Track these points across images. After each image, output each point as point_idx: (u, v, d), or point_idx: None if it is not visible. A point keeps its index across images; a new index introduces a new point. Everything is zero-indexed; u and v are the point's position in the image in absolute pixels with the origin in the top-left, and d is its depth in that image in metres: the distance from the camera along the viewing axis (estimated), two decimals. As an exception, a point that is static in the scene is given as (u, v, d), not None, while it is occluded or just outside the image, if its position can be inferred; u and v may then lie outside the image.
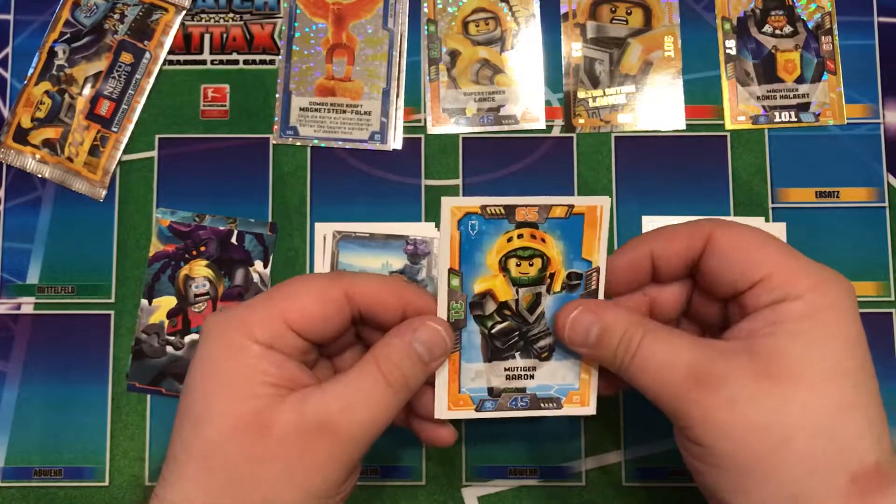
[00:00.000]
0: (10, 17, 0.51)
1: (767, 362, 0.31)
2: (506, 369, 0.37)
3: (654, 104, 0.50)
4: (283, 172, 0.49)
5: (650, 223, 0.48)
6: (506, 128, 0.50)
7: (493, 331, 0.37)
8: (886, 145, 0.49)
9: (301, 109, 0.50)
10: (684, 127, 0.50)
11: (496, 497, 0.47)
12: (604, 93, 0.50)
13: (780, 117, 0.49)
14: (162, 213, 0.49)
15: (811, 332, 0.31)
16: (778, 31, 0.50)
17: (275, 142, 0.50)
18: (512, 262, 0.36)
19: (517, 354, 0.37)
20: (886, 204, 0.49)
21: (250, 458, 0.31)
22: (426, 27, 0.51)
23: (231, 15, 0.51)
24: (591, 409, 0.38)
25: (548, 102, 0.50)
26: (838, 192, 0.49)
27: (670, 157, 0.49)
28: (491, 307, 0.36)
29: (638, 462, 0.47)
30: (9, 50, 0.51)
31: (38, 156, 0.49)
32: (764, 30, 0.50)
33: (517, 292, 0.36)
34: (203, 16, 0.51)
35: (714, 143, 0.49)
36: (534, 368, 0.37)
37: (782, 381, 0.31)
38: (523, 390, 0.37)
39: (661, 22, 0.50)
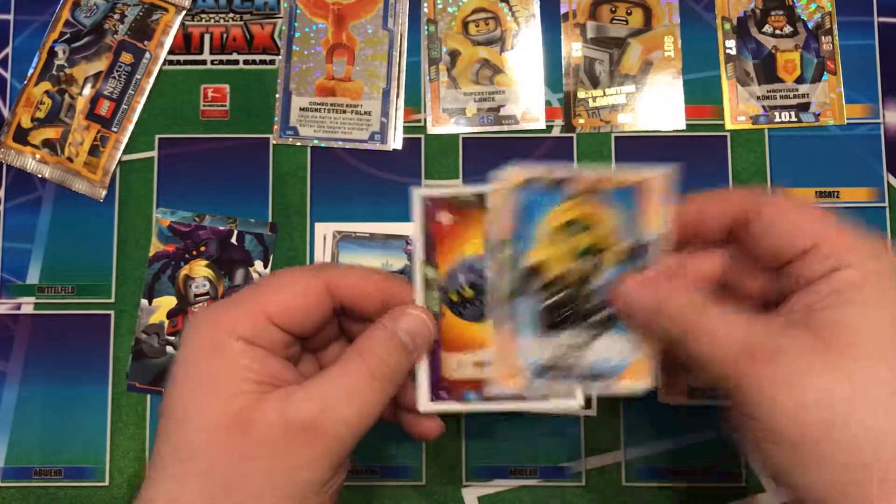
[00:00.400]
0: (10, 17, 0.51)
1: (825, 334, 0.30)
2: (560, 343, 0.36)
3: (654, 104, 0.50)
4: (283, 172, 0.49)
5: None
6: (506, 128, 0.50)
7: (546, 303, 0.35)
8: (886, 145, 0.49)
9: (301, 109, 0.50)
10: (684, 127, 0.50)
11: (496, 497, 0.47)
12: (604, 93, 0.50)
13: (780, 117, 0.49)
14: (162, 213, 0.49)
15: (867, 302, 0.30)
16: (778, 31, 0.50)
17: (275, 142, 0.50)
18: (565, 234, 0.35)
19: (572, 328, 0.36)
20: (886, 204, 0.49)
21: (234, 458, 0.31)
22: (426, 27, 0.51)
23: (231, 15, 0.51)
24: (647, 385, 0.35)
25: (548, 102, 0.50)
26: (838, 192, 0.49)
27: (670, 157, 0.49)
28: (544, 279, 0.35)
29: (638, 462, 0.47)
30: (9, 50, 0.51)
31: (38, 156, 0.49)
32: (764, 30, 0.50)
33: (571, 264, 0.35)
34: (203, 16, 0.51)
35: (714, 143, 0.49)
36: (588, 342, 0.36)
37: (839, 354, 0.29)
38: (576, 365, 0.36)
39: (661, 22, 0.50)
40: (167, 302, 0.48)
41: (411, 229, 0.36)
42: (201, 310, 0.34)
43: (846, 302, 0.30)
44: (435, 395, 0.36)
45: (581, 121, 0.50)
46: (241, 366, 0.32)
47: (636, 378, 0.36)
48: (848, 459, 0.29)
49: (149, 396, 0.48)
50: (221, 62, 0.51)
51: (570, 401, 0.36)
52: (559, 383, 0.36)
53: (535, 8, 0.51)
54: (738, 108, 0.50)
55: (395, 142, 0.49)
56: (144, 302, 0.48)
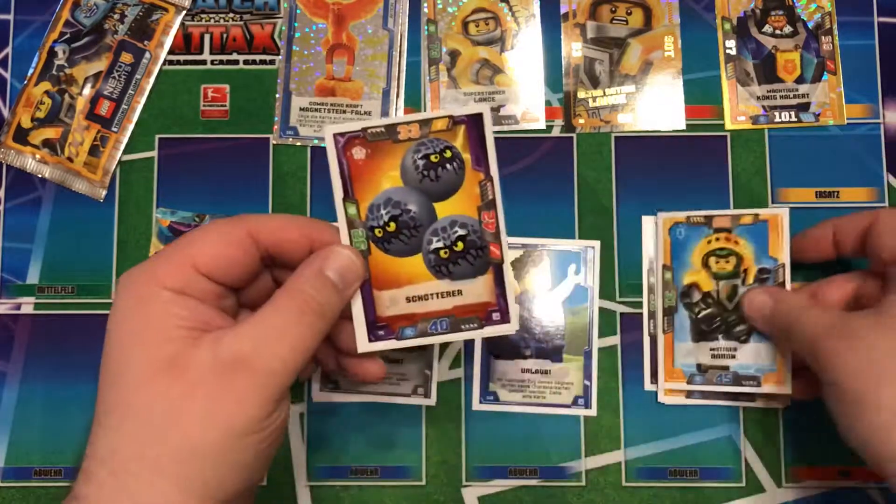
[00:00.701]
0: (10, 17, 0.51)
1: (889, 315, 0.38)
2: (711, 349, 0.46)
3: (654, 104, 0.50)
4: (283, 172, 0.49)
5: (650, 223, 0.48)
6: (506, 128, 0.50)
7: (699, 316, 0.46)
8: (886, 145, 0.49)
9: (301, 109, 0.50)
10: (684, 127, 0.50)
11: (496, 497, 0.47)
12: (604, 93, 0.50)
13: (780, 117, 0.49)
14: (162, 213, 0.49)
15: None
16: (778, 31, 0.50)
17: (275, 142, 0.50)
18: (712, 260, 0.46)
19: (720, 337, 0.45)
20: (886, 204, 0.49)
21: (169, 401, 0.31)
22: (426, 27, 0.51)
23: (231, 15, 0.51)
24: (787, 389, 0.44)
25: (548, 102, 0.50)
26: (838, 192, 0.49)
27: (670, 157, 0.49)
28: (697, 296, 0.46)
29: (638, 462, 0.47)
30: (9, 50, 0.51)
31: (38, 156, 0.49)
32: (764, 30, 0.50)
33: (717, 284, 0.46)
34: (203, 16, 0.51)
35: (714, 143, 0.49)
36: (735, 349, 0.45)
37: (892, 328, 0.37)
38: (726, 368, 0.45)
39: (661, 22, 0.50)
40: (167, 302, 0.48)
41: (329, 170, 0.36)
42: (131, 268, 0.35)
43: None
44: (373, 335, 0.36)
45: (581, 121, 0.50)
46: (171, 314, 0.33)
47: (778, 381, 0.44)
48: (892, 405, 0.36)
49: (149, 396, 0.48)
50: (221, 62, 0.51)
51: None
52: (713, 383, 0.45)
53: (535, 8, 0.51)
54: (738, 108, 0.50)
55: (395, 142, 0.49)
56: (144, 302, 0.48)
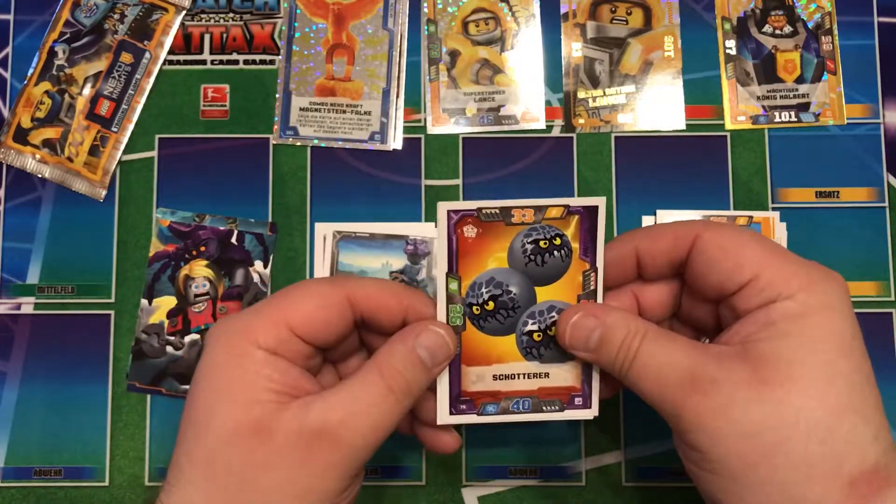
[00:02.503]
0: (10, 17, 0.51)
1: (760, 366, 0.31)
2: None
3: (654, 104, 0.50)
4: (283, 172, 0.49)
5: (650, 223, 0.48)
6: (506, 128, 0.50)
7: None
8: (886, 145, 0.49)
9: (301, 109, 0.50)
10: (684, 127, 0.50)
11: (496, 497, 0.47)
12: (604, 93, 0.50)
13: (780, 117, 0.49)
14: (162, 213, 0.49)
15: (804, 334, 0.31)
16: (778, 31, 0.50)
17: (275, 142, 0.50)
18: None
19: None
20: (886, 204, 0.49)
21: (252, 465, 0.31)
22: (426, 27, 0.51)
23: (231, 15, 0.51)
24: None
25: (548, 102, 0.50)
26: (838, 192, 0.49)
27: (670, 157, 0.49)
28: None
29: (638, 462, 0.47)
30: (9, 50, 0.51)
31: (38, 156, 0.49)
32: (764, 30, 0.50)
33: None
34: (203, 16, 0.51)
35: (714, 143, 0.49)
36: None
37: (775, 386, 0.30)
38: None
39: (661, 22, 0.50)
40: (167, 302, 0.48)
41: (436, 244, 0.37)
42: (224, 318, 0.35)
43: (780, 334, 0.31)
44: (454, 408, 0.37)
45: (581, 121, 0.50)
46: (262, 375, 0.33)
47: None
48: (785, 488, 0.30)
49: (149, 396, 0.48)
50: (221, 62, 0.51)
51: (584, 411, 0.37)
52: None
53: (535, 8, 0.51)
54: (738, 107, 0.50)
55: (395, 142, 0.49)
56: (144, 302, 0.48)
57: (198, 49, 0.51)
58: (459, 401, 0.37)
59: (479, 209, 0.35)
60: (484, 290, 0.36)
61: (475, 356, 0.37)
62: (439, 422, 0.37)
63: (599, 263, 0.36)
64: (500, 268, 0.36)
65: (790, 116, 0.49)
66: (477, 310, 0.36)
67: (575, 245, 0.36)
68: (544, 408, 0.37)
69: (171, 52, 0.51)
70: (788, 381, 0.30)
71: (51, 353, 0.48)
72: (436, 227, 0.37)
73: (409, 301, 0.36)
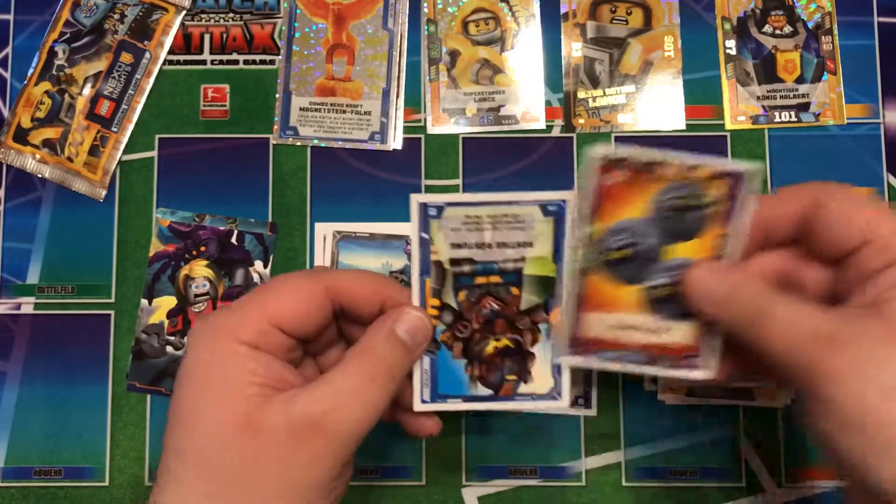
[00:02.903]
0: (10, 17, 0.51)
1: (895, 325, 0.31)
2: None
3: (654, 104, 0.50)
4: (283, 172, 0.49)
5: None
6: (506, 128, 0.50)
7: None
8: (886, 145, 0.49)
9: (301, 109, 0.50)
10: (684, 127, 0.50)
11: (496, 497, 0.47)
12: (604, 93, 0.50)
13: (780, 117, 0.49)
14: (162, 213, 0.49)
15: None
16: (778, 31, 0.50)
17: (275, 142, 0.50)
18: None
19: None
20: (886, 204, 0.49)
21: (241, 460, 0.32)
22: (426, 27, 0.51)
23: (231, 15, 0.51)
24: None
25: (548, 102, 0.50)
26: (838, 192, 0.49)
27: (670, 157, 0.49)
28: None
29: (638, 462, 0.47)
30: (9, 50, 0.51)
31: (38, 156, 0.49)
32: (764, 30, 0.50)
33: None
34: (203, 16, 0.51)
35: (714, 143, 0.49)
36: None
37: None
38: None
39: (661, 22, 0.50)
40: (167, 302, 0.48)
41: (579, 187, 0.37)
42: (204, 316, 0.35)
43: None
44: (574, 350, 0.37)
45: (581, 121, 0.50)
46: (245, 370, 0.33)
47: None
48: None
49: (149, 396, 0.48)
50: (221, 62, 0.51)
51: (698, 371, 0.37)
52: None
53: (535, 8, 0.51)
54: (738, 107, 0.50)
55: (395, 142, 0.49)
56: (144, 302, 0.48)
57: (198, 49, 0.51)
58: (575, 345, 0.37)
59: (630, 157, 0.35)
60: (622, 236, 0.36)
61: (598, 303, 0.37)
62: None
63: (734, 231, 0.36)
64: (641, 218, 0.36)
65: (790, 116, 0.49)
66: (612, 255, 0.36)
67: (717, 209, 0.36)
68: (658, 363, 0.37)
69: (171, 52, 0.51)
70: None
71: (51, 353, 0.48)
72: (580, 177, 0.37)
73: (385, 290, 0.36)
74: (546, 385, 0.38)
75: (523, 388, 0.38)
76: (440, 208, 0.36)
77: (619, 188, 0.36)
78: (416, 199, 0.36)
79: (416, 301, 0.37)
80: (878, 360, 0.30)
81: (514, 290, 0.37)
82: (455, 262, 0.37)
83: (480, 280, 0.37)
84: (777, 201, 0.36)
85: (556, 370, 0.38)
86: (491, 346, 0.37)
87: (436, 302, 0.37)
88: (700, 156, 0.35)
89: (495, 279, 0.37)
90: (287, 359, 0.35)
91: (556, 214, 0.37)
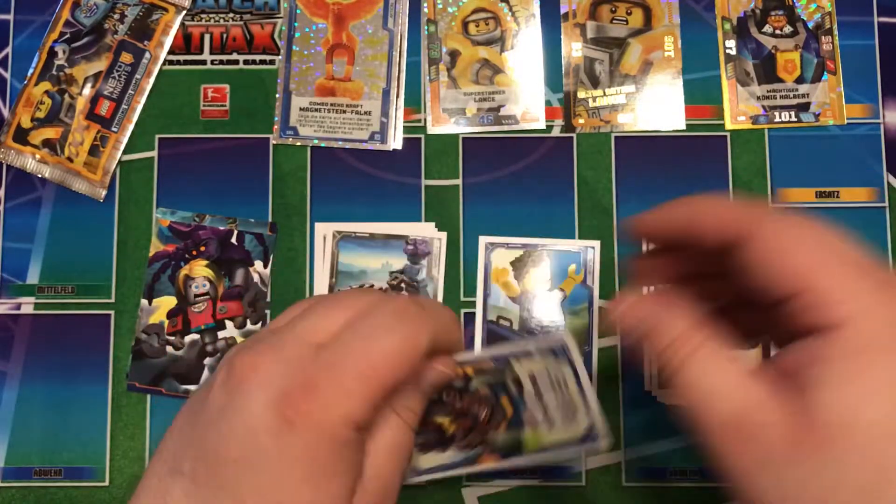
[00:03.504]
0: (10, 17, 0.51)
1: (810, 416, 0.25)
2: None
3: (654, 104, 0.50)
4: (283, 172, 0.49)
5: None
6: (506, 128, 0.50)
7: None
8: (886, 145, 0.49)
9: (301, 109, 0.50)
10: (684, 127, 0.50)
11: (496, 497, 0.47)
12: (604, 93, 0.50)
13: (780, 117, 0.49)
14: (162, 213, 0.49)
15: (859, 379, 0.25)
16: (778, 31, 0.50)
17: (275, 142, 0.50)
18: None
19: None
20: (886, 204, 0.49)
21: None
22: (426, 27, 0.51)
23: (231, 15, 0.51)
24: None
25: (548, 102, 0.50)
26: (838, 192, 0.49)
27: (670, 157, 0.49)
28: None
29: (638, 462, 0.47)
30: (9, 50, 0.51)
31: (38, 156, 0.49)
32: (764, 30, 0.50)
33: None
34: (203, 16, 0.51)
35: (714, 143, 0.49)
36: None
37: (822, 444, 0.25)
38: None
39: (661, 22, 0.50)
40: (167, 302, 0.48)
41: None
42: (300, 371, 0.28)
43: (835, 378, 0.25)
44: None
45: (581, 121, 0.50)
46: (354, 464, 0.29)
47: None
48: None
49: (149, 396, 0.48)
50: (221, 62, 0.51)
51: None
52: None
53: (535, 8, 0.51)
54: (738, 108, 0.50)
55: (395, 142, 0.49)
56: (144, 302, 0.48)
57: (198, 49, 0.51)
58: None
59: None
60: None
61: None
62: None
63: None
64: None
65: (790, 116, 0.49)
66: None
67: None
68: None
69: (171, 52, 0.51)
70: (836, 440, 0.25)
71: (51, 353, 0.48)
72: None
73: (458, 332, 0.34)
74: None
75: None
76: None
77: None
78: None
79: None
80: (779, 461, 0.26)
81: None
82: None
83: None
84: (703, 210, 0.30)
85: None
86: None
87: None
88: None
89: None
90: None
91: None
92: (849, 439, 0.25)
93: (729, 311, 0.31)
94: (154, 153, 0.50)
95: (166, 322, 0.48)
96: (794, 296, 0.26)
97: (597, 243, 0.48)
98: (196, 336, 0.48)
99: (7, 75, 0.51)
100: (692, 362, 0.28)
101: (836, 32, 0.50)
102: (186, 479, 0.28)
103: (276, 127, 0.50)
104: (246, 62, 0.51)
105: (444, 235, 0.48)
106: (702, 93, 0.50)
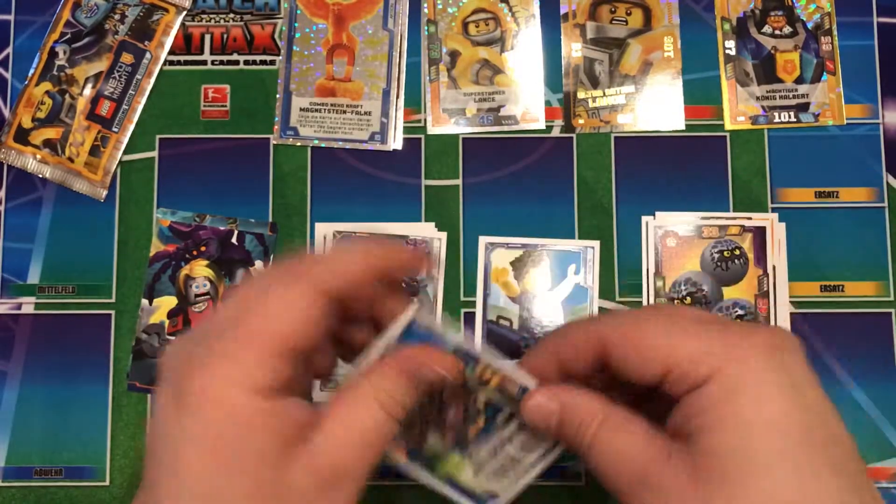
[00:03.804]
0: (11, 17, 0.51)
1: (701, 463, 0.29)
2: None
3: (654, 104, 0.50)
4: (284, 172, 0.50)
5: (650, 223, 0.48)
6: (506, 128, 0.50)
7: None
8: (886, 145, 0.49)
9: (301, 110, 0.50)
10: (684, 127, 0.50)
11: (496, 497, 0.47)
12: (604, 93, 0.50)
13: (780, 117, 0.49)
14: (162, 213, 0.49)
15: (732, 419, 0.29)
16: (777, 32, 0.50)
17: (275, 142, 0.50)
18: None
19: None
20: (886, 204, 0.49)
21: None
22: (426, 27, 0.51)
23: (231, 15, 0.51)
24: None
25: (548, 102, 0.50)
26: (838, 192, 0.49)
27: (670, 157, 0.49)
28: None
29: (638, 462, 0.47)
30: (9, 50, 0.51)
31: (38, 156, 0.49)
32: (763, 30, 0.50)
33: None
34: (203, 16, 0.51)
35: (714, 143, 0.49)
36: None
37: (721, 485, 0.28)
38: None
39: (661, 22, 0.51)
40: (167, 302, 0.48)
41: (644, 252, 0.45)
42: (193, 355, 0.28)
43: (714, 424, 0.29)
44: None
45: (581, 121, 0.50)
46: (268, 430, 0.28)
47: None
48: None
49: (149, 396, 0.48)
50: (222, 62, 0.51)
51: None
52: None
53: (535, 8, 0.51)
54: (738, 108, 0.50)
55: (395, 142, 0.50)
56: (145, 302, 0.48)
57: (198, 49, 0.51)
58: None
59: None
60: (683, 286, 0.47)
61: None
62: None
63: (769, 270, 0.47)
64: (695, 270, 0.47)
65: (790, 117, 0.49)
66: (677, 302, 0.46)
67: (750, 256, 0.47)
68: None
69: (171, 52, 0.51)
70: (730, 479, 0.28)
71: (51, 353, 0.48)
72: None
73: (374, 260, 0.31)
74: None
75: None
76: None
77: (676, 250, 0.47)
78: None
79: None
80: None
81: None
82: None
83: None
84: (567, 342, 0.34)
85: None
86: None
87: None
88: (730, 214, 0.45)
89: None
90: (298, 391, 0.30)
91: None
92: (737, 477, 0.28)
93: (616, 394, 0.34)
94: (154, 153, 0.50)
95: (167, 322, 0.48)
96: (663, 376, 0.31)
97: (597, 243, 0.48)
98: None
99: (8, 76, 0.51)
100: (598, 435, 0.31)
101: (835, 33, 0.50)
102: (142, 489, 0.29)
103: (276, 127, 0.50)
104: (246, 62, 0.51)
105: (444, 235, 0.48)
106: (701, 93, 0.50)
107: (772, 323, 0.47)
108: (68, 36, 0.50)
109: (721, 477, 0.28)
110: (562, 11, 0.51)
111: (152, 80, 0.50)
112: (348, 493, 0.30)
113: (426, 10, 0.51)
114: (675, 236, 0.48)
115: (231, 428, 0.27)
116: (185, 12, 0.51)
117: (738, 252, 0.48)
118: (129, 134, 0.50)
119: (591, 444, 0.32)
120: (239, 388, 0.27)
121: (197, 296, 0.48)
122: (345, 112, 0.50)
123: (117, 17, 0.51)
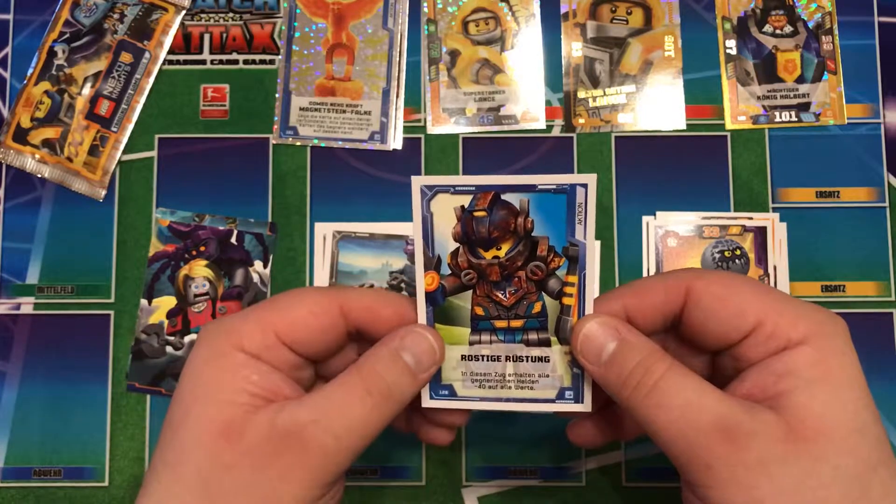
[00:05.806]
0: (10, 16, 0.51)
1: (793, 419, 0.29)
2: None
3: (655, 104, 0.50)
4: (283, 172, 0.49)
5: (650, 223, 0.48)
6: (506, 128, 0.50)
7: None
8: (886, 145, 0.49)
9: (301, 109, 0.50)
10: (684, 127, 0.50)
11: (496, 497, 0.47)
12: (604, 93, 0.50)
13: (781, 117, 0.49)
14: (162, 213, 0.49)
15: (828, 382, 0.29)
16: (778, 31, 0.50)
17: (275, 142, 0.50)
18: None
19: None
20: (886, 204, 0.49)
21: (218, 466, 0.30)
22: (426, 27, 0.51)
23: (231, 15, 0.51)
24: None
25: (548, 102, 0.50)
26: (838, 192, 0.49)
27: (670, 157, 0.49)
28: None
29: (638, 462, 0.47)
30: (8, 50, 0.51)
31: (37, 156, 0.49)
32: (764, 30, 0.50)
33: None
34: (203, 16, 0.51)
35: (714, 142, 0.49)
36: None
37: (809, 442, 0.28)
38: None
39: (661, 22, 0.50)
40: (167, 302, 0.48)
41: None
42: (214, 320, 0.34)
43: (806, 384, 0.29)
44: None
45: (581, 120, 0.50)
46: (240, 376, 0.32)
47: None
48: None
49: (149, 396, 0.48)
50: (221, 62, 0.51)
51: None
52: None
53: (535, 8, 0.51)
54: (739, 107, 0.50)
55: (395, 142, 0.49)
56: (144, 302, 0.48)
57: (197, 49, 0.51)
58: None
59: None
60: None
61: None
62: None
63: (770, 270, 0.44)
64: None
65: (790, 116, 0.49)
66: None
67: (751, 255, 0.47)
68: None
69: (170, 51, 0.51)
70: (822, 437, 0.29)
71: (51, 353, 0.48)
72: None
73: (403, 309, 0.34)
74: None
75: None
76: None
77: (677, 250, 0.47)
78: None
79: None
80: (777, 460, 0.28)
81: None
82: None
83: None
84: (643, 291, 0.33)
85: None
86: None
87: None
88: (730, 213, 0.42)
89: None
90: (293, 375, 0.34)
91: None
92: (830, 435, 0.29)
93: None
94: (154, 153, 0.50)
95: (166, 322, 0.48)
96: (750, 332, 0.31)
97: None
98: (196, 336, 0.48)
99: (7, 75, 0.51)
100: (665, 379, 0.30)
101: (836, 32, 0.50)
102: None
103: (275, 127, 0.50)
104: (246, 62, 0.51)
105: (444, 235, 0.48)
106: (702, 92, 0.50)
107: None
108: (67, 35, 0.50)
109: (818, 435, 0.29)
110: (562, 11, 0.51)
111: (151, 80, 0.50)
112: (296, 460, 0.31)
113: (426, 10, 0.51)
114: (675, 236, 0.48)
115: (210, 367, 0.32)
116: (184, 11, 0.51)
117: (738, 252, 0.48)
118: (128, 133, 0.50)
119: (653, 390, 0.30)
120: (228, 342, 0.32)
121: (196, 296, 0.48)
122: (344, 112, 0.50)
123: (116, 16, 0.50)
